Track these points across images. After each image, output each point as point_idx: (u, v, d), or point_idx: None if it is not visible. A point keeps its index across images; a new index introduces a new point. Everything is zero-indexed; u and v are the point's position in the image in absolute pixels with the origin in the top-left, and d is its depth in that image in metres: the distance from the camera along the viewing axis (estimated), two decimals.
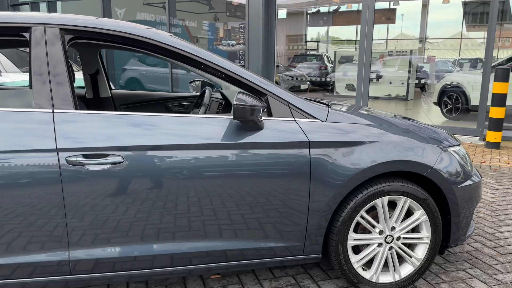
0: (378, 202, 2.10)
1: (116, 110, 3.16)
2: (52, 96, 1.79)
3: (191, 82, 3.41)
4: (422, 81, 11.95)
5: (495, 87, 5.81)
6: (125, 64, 9.78)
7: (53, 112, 1.77)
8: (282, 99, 2.01)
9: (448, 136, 2.32)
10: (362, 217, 2.11)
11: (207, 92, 2.35)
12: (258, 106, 1.82)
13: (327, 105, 2.32)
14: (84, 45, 2.84)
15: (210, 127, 1.90)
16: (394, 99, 11.39)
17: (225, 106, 2.53)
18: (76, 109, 1.81)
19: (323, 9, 14.77)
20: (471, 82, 8.16)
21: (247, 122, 1.88)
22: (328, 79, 12.71)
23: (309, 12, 14.85)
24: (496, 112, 5.83)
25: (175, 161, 1.83)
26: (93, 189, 1.76)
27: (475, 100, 7.95)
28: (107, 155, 1.77)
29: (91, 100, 3.05)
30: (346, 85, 12.03)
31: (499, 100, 5.81)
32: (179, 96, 3.34)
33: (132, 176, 1.79)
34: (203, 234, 1.93)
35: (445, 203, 2.22)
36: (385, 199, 2.10)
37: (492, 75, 6.30)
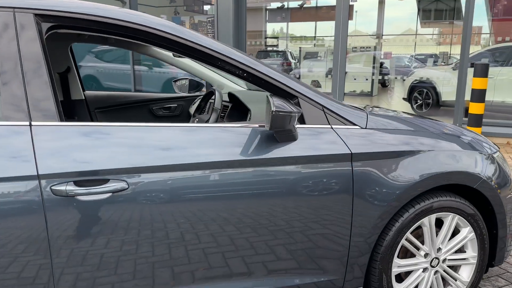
0: (425, 221, 1.79)
1: (90, 115, 2.68)
2: (28, 104, 1.33)
3: (175, 81, 2.98)
4: (388, 77, 12.01)
5: (474, 82, 5.75)
6: (80, 61, 9.05)
7: (30, 125, 1.32)
8: (316, 103, 1.66)
9: (487, 141, 2.06)
10: (406, 239, 1.80)
11: (217, 95, 1.95)
12: (295, 112, 1.45)
13: (361, 108, 1.99)
14: (52, 37, 2.35)
15: (239, 138, 1.51)
16: (359, 95, 11.35)
17: (230, 110, 2.15)
18: (61, 120, 1.36)
19: (281, 4, 14.54)
20: (441, 78, 8.18)
21: (282, 132, 1.51)
22: (293, 75, 12.52)
23: (267, 7, 14.58)
24: (476, 108, 5.77)
25: (196, 184, 1.43)
26: (88, 227, 1.33)
27: (445, 96, 7.97)
28: (107, 180, 1.34)
29: (61, 103, 2.55)
30: (311, 81, 11.88)
31: (479, 95, 5.75)
32: (163, 98, 2.91)
33: (140, 207, 1.37)
34: (228, 273, 1.55)
35: (491, 217, 1.96)
36: (433, 217, 1.81)
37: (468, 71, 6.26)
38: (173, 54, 2.41)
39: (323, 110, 1.66)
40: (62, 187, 1.29)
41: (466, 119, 6.17)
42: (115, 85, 8.82)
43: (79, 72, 2.61)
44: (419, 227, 1.83)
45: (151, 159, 1.38)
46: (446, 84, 8.04)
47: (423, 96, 8.32)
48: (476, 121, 6.03)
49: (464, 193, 1.97)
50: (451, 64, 8.47)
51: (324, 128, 1.64)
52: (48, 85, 1.37)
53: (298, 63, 13.01)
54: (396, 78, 12.46)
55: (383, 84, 12.55)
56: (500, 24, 9.80)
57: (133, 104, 2.80)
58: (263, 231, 1.54)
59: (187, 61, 2.73)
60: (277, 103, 1.42)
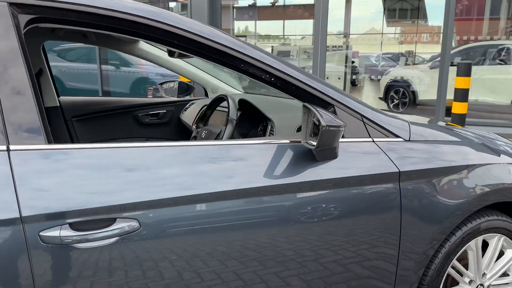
0: (472, 244, 1.58)
1: (66, 123, 2.32)
2: (4, 121, 1.00)
3: (162, 84, 2.65)
4: (360, 76, 11.98)
5: (457, 81, 5.69)
6: None
7: (8, 150, 0.99)
8: (355, 112, 1.40)
9: None
10: (452, 266, 1.58)
11: (231, 104, 1.64)
12: (343, 126, 1.20)
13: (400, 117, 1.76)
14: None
15: (273, 157, 1.24)
16: None
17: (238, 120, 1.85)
18: (49, 141, 1.04)
19: (250, 2, 14.29)
20: (417, 77, 8.16)
21: (326, 151, 1.24)
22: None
23: (235, 5, 14.31)
24: (459, 107, 5.71)
25: (229, 213, 1.15)
26: (90, 283, 1.02)
27: (422, 95, 7.96)
28: (113, 220, 1.03)
29: None
30: None
31: (462, 95, 5.70)
32: (149, 103, 2.58)
33: (157, 251, 1.07)
34: None
35: None
36: (480, 239, 1.60)
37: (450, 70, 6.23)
38: (169, 54, 2.09)
39: (363, 121, 1.41)
40: (54, 233, 0.97)
41: (447, 118, 6.14)
42: (79, 86, 8.31)
43: (52, 75, 2.25)
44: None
45: (171, 189, 1.08)
46: (422, 83, 8.02)
47: (400, 95, 8.28)
48: (460, 120, 5.98)
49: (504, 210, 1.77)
50: (428, 63, 8.47)
51: (365, 142, 1.39)
52: (29, 94, 1.04)
53: None
54: (367, 77, 12.48)
55: (353, 83, 12.51)
56: (462, 23, 9.93)
57: (115, 110, 2.46)
58: (302, 261, 1.28)
59: (178, 62, 2.42)
60: (325, 116, 1.16)
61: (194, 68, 2.50)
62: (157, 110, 2.55)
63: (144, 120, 2.51)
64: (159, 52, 2.35)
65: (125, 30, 1.17)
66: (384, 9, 16.19)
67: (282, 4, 15.39)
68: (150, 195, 1.06)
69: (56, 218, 0.98)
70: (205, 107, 2.24)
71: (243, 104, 1.88)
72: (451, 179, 1.45)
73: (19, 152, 0.99)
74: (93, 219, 1.01)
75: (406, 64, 11.33)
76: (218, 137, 1.65)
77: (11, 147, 0.99)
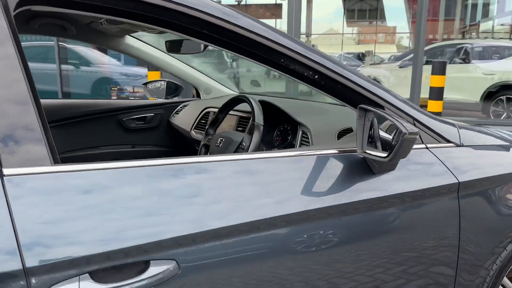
0: None
1: None
2: None
3: (147, 84, 2.38)
4: None
5: (432, 80, 5.72)
6: None
7: (1, 175, 0.72)
8: (406, 114, 1.21)
9: None
10: (502, 284, 1.43)
11: (255, 107, 1.39)
12: (418, 133, 1.01)
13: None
14: None
15: (328, 171, 1.03)
16: (299, 94, 11.19)
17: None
18: (56, 161, 0.78)
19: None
20: (387, 76, 8.21)
21: (389, 163, 1.04)
22: (230, 76, 12.09)
23: None
24: (435, 106, 5.74)
25: (286, 239, 0.93)
26: None
27: None
28: (145, 265, 0.78)
29: None
30: (250, 81, 11.57)
31: (437, 93, 5.73)
32: (135, 105, 2.29)
33: None
34: None
35: None
36: None
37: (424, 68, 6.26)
38: (172, 48, 1.83)
39: (414, 124, 1.22)
40: (71, 287, 0.71)
41: None
42: (38, 87, 7.74)
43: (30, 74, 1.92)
44: None
45: (221, 217, 0.84)
46: (392, 82, 8.08)
47: None
48: None
49: None
50: (397, 61, 8.54)
51: (419, 149, 1.20)
52: (26, 96, 0.78)
53: (233, 63, 12.56)
54: None
55: None
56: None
57: (96, 114, 2.15)
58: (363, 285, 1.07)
59: (168, 59, 2.16)
60: (405, 123, 0.96)
61: (186, 66, 2.25)
62: (143, 113, 2.26)
63: (129, 125, 2.22)
64: (147, 48, 2.08)
65: (145, 17, 0.92)
66: (344, 10, 16.39)
67: (245, 3, 15.29)
68: (188, 227, 0.81)
69: (72, 266, 0.72)
70: (209, 109, 1.99)
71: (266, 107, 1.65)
72: (509, 186, 1.30)
73: (15, 177, 0.73)
74: (114, 264, 0.75)
75: (371, 64, 11.46)
76: (240, 146, 1.42)
77: (5, 170, 0.72)
